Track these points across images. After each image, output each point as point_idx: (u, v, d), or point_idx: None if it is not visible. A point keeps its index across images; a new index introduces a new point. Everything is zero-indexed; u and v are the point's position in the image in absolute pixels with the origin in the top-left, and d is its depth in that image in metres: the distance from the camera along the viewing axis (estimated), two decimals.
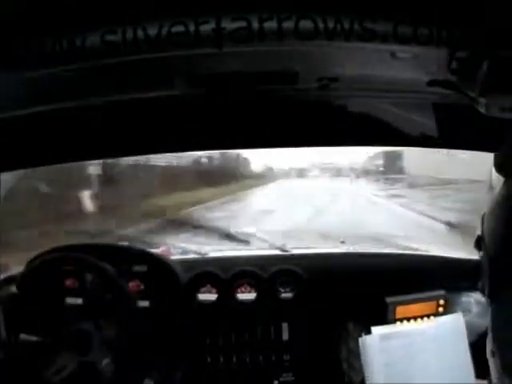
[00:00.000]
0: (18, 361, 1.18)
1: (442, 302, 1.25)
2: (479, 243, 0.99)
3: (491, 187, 0.98)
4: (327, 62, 0.72)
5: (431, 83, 0.73)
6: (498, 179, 0.97)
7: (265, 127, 1.02)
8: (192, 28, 0.54)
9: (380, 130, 1.00)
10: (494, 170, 0.97)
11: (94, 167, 3.02)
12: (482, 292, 1.00)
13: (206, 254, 1.53)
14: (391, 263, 1.50)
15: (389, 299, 1.24)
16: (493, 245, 0.89)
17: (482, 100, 0.62)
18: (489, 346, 0.93)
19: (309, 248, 1.64)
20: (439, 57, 0.59)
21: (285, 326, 1.39)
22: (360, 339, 1.00)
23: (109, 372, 1.17)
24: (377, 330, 1.00)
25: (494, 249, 0.88)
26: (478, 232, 1.01)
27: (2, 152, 0.99)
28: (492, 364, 0.95)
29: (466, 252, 1.49)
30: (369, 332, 1.01)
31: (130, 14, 0.54)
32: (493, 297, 0.92)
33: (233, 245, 1.64)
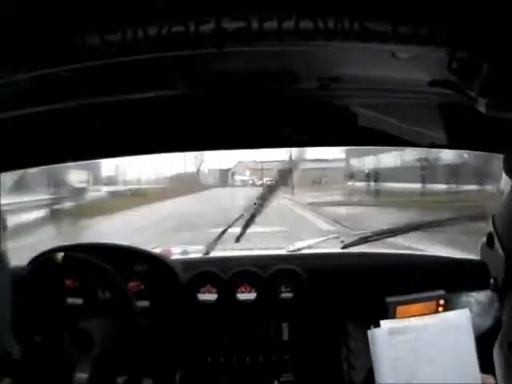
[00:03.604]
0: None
1: (442, 301, 1.25)
2: (491, 241, 1.01)
3: (501, 189, 1.00)
4: (327, 62, 0.72)
5: (431, 83, 0.73)
6: (507, 181, 0.99)
7: (265, 127, 1.02)
8: (192, 28, 0.54)
9: (380, 130, 1.00)
10: (503, 172, 0.99)
11: None
12: (495, 288, 1.01)
13: (206, 253, 1.53)
14: (391, 263, 1.50)
15: (389, 299, 1.24)
16: (509, 242, 0.91)
17: (482, 100, 0.62)
18: (503, 340, 0.94)
19: (309, 248, 1.64)
20: (439, 57, 0.59)
21: (285, 325, 1.39)
22: (369, 332, 1.01)
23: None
24: (385, 324, 1.01)
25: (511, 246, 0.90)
26: (488, 230, 1.02)
27: (1, 152, 0.99)
28: (502, 358, 0.95)
29: (467, 252, 1.50)
30: (376, 326, 1.01)
31: (130, 13, 0.54)
32: (509, 291, 0.93)
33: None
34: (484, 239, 1.11)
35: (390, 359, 0.97)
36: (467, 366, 0.98)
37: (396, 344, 0.98)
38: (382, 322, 1.01)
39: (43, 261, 1.28)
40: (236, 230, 1.54)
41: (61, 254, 1.21)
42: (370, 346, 0.99)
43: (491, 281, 1.05)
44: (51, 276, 1.26)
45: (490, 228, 1.03)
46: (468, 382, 0.96)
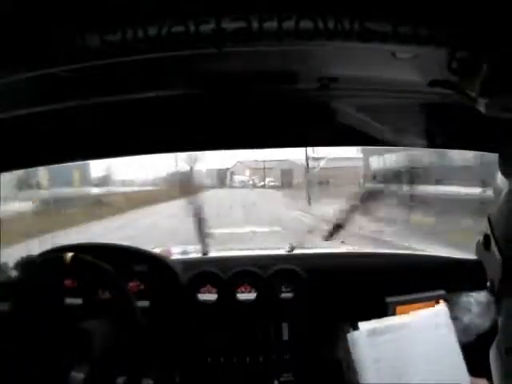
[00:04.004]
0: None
1: (442, 301, 1.25)
2: (487, 243, 0.99)
3: (497, 188, 0.99)
4: (327, 61, 0.72)
5: (431, 83, 0.73)
6: (503, 181, 0.98)
7: (265, 127, 1.02)
8: (192, 28, 0.54)
9: (380, 130, 1.00)
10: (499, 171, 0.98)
11: None
12: (491, 291, 1.01)
13: (206, 253, 1.53)
14: (391, 263, 1.50)
15: (389, 299, 1.24)
16: (506, 244, 0.90)
17: (482, 100, 0.62)
18: (500, 344, 0.93)
19: (309, 248, 1.64)
20: (439, 57, 0.59)
21: (285, 326, 1.39)
22: (348, 335, 1.01)
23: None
24: (364, 326, 1.01)
25: (508, 247, 0.88)
26: (484, 231, 1.01)
27: (1, 152, 0.99)
28: (499, 362, 0.94)
29: (466, 252, 1.50)
30: (355, 329, 1.02)
31: (130, 13, 0.54)
32: (506, 294, 0.92)
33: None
34: (480, 240, 1.10)
35: (373, 361, 0.97)
36: (453, 365, 0.98)
37: (377, 345, 0.98)
38: (361, 324, 1.00)
39: (50, 260, 1.27)
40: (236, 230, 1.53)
41: (70, 255, 1.21)
42: (351, 350, 0.99)
43: (488, 283, 1.05)
44: (51, 276, 1.26)
45: (487, 229, 1.03)
46: (456, 381, 0.96)
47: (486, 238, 1.01)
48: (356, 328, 1.00)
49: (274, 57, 0.68)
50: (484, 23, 0.54)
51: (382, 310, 1.22)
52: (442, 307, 1.05)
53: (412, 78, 0.75)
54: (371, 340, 0.98)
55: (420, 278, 1.35)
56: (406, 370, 0.96)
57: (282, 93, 0.84)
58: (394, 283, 1.30)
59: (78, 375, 1.09)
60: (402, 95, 0.85)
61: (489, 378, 1.02)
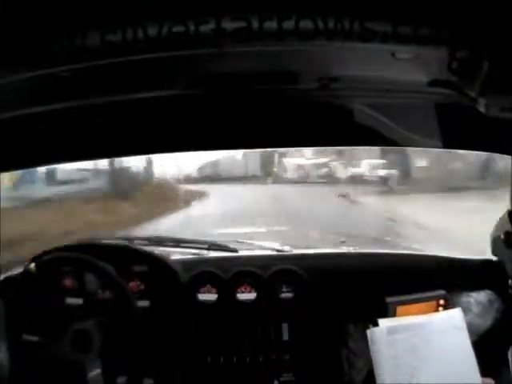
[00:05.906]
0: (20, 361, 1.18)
1: (442, 301, 1.25)
2: (509, 239, 0.99)
3: None
4: (327, 61, 0.72)
5: (431, 83, 0.73)
6: None
7: (265, 127, 1.02)
8: (192, 28, 0.54)
9: (380, 130, 1.00)
10: None
11: None
12: None
13: (206, 254, 1.53)
14: (391, 263, 1.50)
15: (389, 299, 1.24)
16: None
17: (482, 100, 0.62)
18: None
19: (309, 248, 1.64)
20: (439, 57, 0.59)
21: (285, 326, 1.39)
22: (368, 331, 1.02)
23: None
24: (384, 323, 1.01)
25: None
26: (505, 228, 1.00)
27: (1, 152, 0.99)
28: None
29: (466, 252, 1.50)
30: (375, 325, 1.02)
31: (130, 13, 0.54)
32: None
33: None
34: (499, 238, 1.08)
35: (390, 358, 0.98)
36: (465, 366, 0.98)
37: (395, 342, 0.99)
38: (381, 321, 1.01)
39: (42, 261, 1.28)
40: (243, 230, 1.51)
41: (33, 265, 1.24)
42: (370, 346, 1.00)
43: (510, 282, 1.04)
44: (50, 276, 1.26)
45: (507, 226, 1.01)
46: (467, 381, 0.96)
47: (507, 234, 1.01)
48: (376, 325, 1.01)
49: (273, 57, 0.68)
50: (484, 23, 0.54)
51: (382, 310, 1.22)
52: (457, 310, 1.06)
53: (412, 78, 0.75)
54: (390, 337, 0.99)
55: (420, 277, 1.35)
56: (421, 369, 0.97)
57: (281, 93, 0.84)
58: (393, 283, 1.30)
59: (82, 376, 1.09)
60: (402, 95, 0.85)
61: (491, 376, 1.02)
